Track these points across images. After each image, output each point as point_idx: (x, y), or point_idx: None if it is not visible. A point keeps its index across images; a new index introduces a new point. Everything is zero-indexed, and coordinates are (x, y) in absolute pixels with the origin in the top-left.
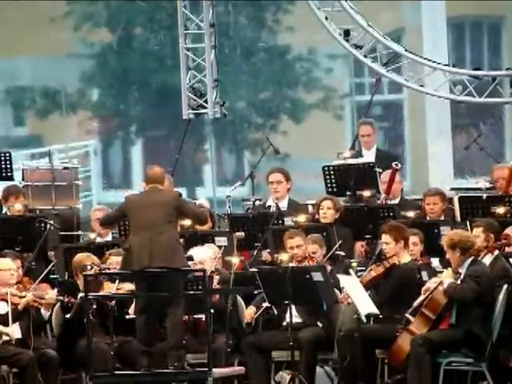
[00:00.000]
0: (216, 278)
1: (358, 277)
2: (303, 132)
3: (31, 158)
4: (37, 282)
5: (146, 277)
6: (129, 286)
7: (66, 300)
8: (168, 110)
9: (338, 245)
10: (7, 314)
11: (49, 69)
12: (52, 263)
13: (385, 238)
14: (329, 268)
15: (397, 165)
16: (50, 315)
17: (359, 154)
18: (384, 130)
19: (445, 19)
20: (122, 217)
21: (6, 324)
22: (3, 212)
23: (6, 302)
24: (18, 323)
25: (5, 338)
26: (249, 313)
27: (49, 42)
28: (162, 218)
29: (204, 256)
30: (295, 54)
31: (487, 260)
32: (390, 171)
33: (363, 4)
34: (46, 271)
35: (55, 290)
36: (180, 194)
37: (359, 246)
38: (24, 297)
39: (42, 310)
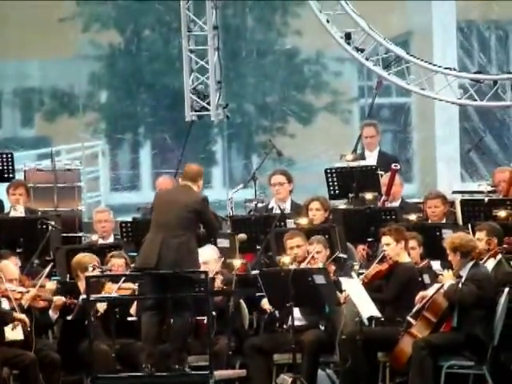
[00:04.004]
0: (220, 278)
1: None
2: (311, 135)
3: (37, 158)
4: (39, 277)
5: (151, 278)
6: (131, 286)
7: (69, 302)
8: (177, 111)
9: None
10: (10, 309)
11: (57, 70)
12: (51, 263)
13: (385, 239)
14: (332, 268)
15: (396, 165)
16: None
17: (362, 157)
18: (392, 132)
19: (455, 22)
20: None
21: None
22: (5, 212)
23: (8, 298)
24: (20, 325)
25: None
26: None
27: (57, 44)
28: (179, 220)
29: (208, 257)
30: (303, 57)
31: (490, 264)
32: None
33: (370, 6)
34: (46, 269)
35: (54, 281)
36: (204, 199)
37: (360, 249)
38: (26, 292)
39: (50, 312)
